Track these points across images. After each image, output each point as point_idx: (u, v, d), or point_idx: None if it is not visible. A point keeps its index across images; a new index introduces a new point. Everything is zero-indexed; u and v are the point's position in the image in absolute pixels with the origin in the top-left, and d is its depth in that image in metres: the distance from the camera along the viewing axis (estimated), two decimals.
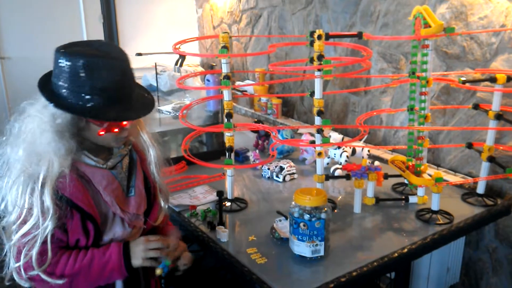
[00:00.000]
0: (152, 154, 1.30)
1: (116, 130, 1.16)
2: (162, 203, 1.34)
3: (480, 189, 1.78)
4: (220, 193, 1.56)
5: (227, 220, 1.62)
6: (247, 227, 1.58)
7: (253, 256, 1.37)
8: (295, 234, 1.34)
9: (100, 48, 1.12)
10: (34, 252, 1.07)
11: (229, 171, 1.68)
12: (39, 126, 1.09)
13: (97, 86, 1.08)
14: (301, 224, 1.31)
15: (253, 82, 3.43)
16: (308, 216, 1.31)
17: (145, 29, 4.03)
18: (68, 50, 1.09)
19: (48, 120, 1.09)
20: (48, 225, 1.07)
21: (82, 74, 1.07)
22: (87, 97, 1.08)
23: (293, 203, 1.35)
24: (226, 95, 1.61)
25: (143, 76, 3.53)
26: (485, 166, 1.74)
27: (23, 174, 1.09)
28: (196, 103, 1.81)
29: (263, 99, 3.10)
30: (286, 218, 1.50)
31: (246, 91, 3.30)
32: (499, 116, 1.66)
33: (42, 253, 1.09)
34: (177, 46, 1.59)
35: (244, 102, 3.41)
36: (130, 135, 1.24)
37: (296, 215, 1.32)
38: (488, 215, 1.68)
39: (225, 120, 1.63)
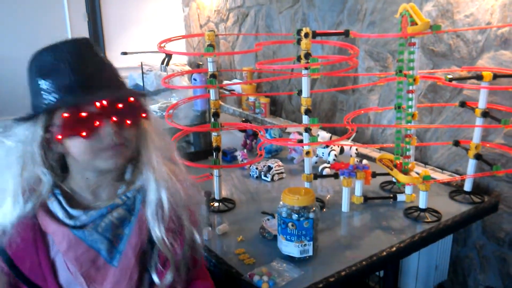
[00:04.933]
0: (154, 195, 0.92)
1: (84, 133, 0.84)
2: (169, 277, 0.93)
3: (468, 186, 1.78)
4: (207, 194, 1.54)
5: (215, 221, 1.60)
6: (235, 227, 1.56)
7: (241, 257, 1.36)
8: (283, 234, 1.32)
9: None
10: None
11: (216, 171, 1.66)
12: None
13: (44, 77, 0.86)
14: (289, 224, 1.30)
15: (241, 81, 3.41)
16: (296, 216, 1.29)
17: (131, 28, 3.99)
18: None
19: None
20: None
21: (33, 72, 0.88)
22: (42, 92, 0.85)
23: (281, 203, 1.34)
24: (213, 94, 1.59)
25: (129, 75, 3.49)
26: (472, 163, 1.75)
27: None
28: (183, 103, 1.79)
29: (251, 98, 3.08)
30: (274, 217, 1.49)
31: (234, 90, 3.28)
32: (485, 114, 1.67)
33: None
34: (162, 45, 1.57)
35: (232, 101, 3.39)
36: (131, 152, 0.92)
37: (284, 215, 1.31)
38: (476, 212, 1.69)
39: (212, 119, 1.61)
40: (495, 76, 1.62)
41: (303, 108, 1.54)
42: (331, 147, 2.04)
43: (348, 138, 2.11)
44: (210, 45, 1.54)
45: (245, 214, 1.67)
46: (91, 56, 0.88)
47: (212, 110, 1.60)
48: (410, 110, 1.63)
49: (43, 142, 0.86)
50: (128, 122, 0.89)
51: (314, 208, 1.32)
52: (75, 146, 0.86)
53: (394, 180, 1.85)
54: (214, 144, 1.63)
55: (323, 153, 2.06)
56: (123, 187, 0.94)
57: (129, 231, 0.91)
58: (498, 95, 1.77)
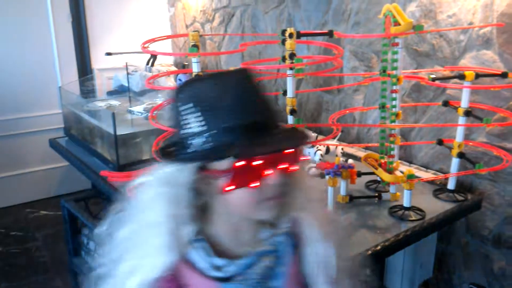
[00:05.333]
0: (315, 243, 0.82)
1: (254, 184, 0.72)
2: None
3: (451, 185, 1.80)
4: None
5: None
6: None
7: None
8: None
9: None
10: None
11: None
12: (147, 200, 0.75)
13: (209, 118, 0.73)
14: None
15: None
16: None
17: (116, 28, 3.95)
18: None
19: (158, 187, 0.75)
20: None
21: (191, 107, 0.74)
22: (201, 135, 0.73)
23: None
24: None
25: (114, 76, 3.46)
26: (455, 162, 1.77)
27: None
28: (168, 103, 1.77)
29: None
30: None
31: None
32: (468, 113, 1.69)
33: None
34: (146, 45, 1.56)
35: None
36: (283, 204, 0.79)
37: None
38: (459, 210, 1.71)
39: None
40: (477, 76, 1.64)
41: (288, 108, 1.55)
42: (317, 147, 2.05)
43: (334, 138, 2.12)
44: (195, 46, 1.54)
45: None
46: (258, 93, 0.77)
47: None
48: (394, 109, 1.64)
49: (193, 184, 0.74)
50: (294, 168, 0.77)
51: None
52: (238, 197, 0.74)
53: (379, 179, 1.86)
54: None
55: (309, 152, 2.06)
56: (265, 230, 0.81)
57: (281, 283, 0.80)
58: (480, 94, 1.79)
